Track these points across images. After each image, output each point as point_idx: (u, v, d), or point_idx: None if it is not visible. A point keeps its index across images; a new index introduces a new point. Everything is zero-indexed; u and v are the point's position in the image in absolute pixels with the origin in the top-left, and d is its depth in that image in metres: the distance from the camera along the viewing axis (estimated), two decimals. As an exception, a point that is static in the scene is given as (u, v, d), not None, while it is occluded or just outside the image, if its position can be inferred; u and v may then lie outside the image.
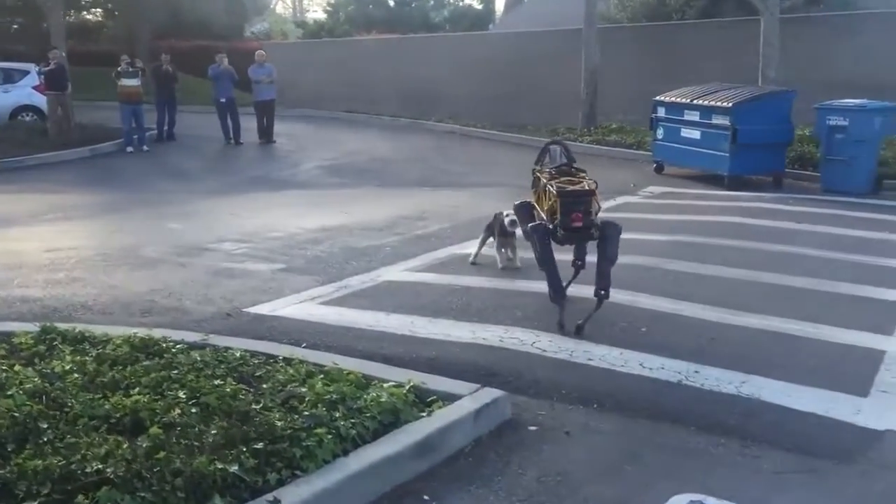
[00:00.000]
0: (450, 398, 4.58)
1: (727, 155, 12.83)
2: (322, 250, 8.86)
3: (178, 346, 5.22)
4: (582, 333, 5.84)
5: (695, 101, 13.60)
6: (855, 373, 5.26)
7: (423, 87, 24.48)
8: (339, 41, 31.97)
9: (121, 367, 4.74)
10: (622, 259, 6.37)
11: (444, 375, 5.06)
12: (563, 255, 6.63)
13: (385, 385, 4.59)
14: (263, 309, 6.74)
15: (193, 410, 4.08)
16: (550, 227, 6.13)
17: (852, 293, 7.03)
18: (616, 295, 6.27)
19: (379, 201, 12.23)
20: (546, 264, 6.17)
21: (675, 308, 6.53)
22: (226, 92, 19.62)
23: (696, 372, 5.20)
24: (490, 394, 4.65)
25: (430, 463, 4.10)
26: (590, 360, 5.45)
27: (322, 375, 4.72)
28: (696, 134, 13.62)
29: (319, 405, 4.21)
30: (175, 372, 4.65)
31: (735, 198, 11.88)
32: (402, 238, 9.47)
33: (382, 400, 4.30)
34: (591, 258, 6.45)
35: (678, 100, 14.04)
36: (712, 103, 13.18)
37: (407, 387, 4.59)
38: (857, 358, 5.53)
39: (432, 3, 40.52)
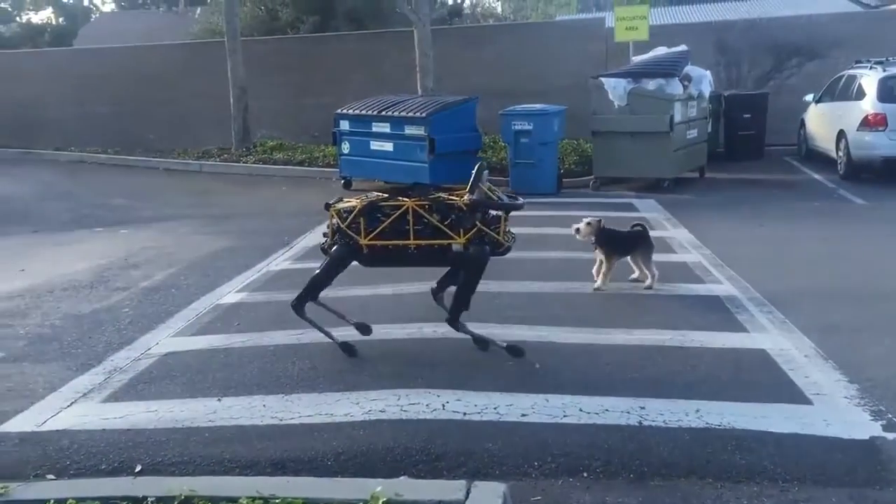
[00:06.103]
0: (447, 510, 3.40)
1: (426, 165, 12.46)
2: (39, 324, 6.65)
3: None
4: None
5: (383, 113, 13.04)
6: (772, 379, 5.04)
7: (20, 112, 20.79)
8: None
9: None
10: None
11: (366, 473, 3.94)
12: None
13: (355, 511, 3.28)
14: (25, 423, 4.70)
15: None
16: None
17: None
18: (436, 329, 5.72)
19: (55, 251, 9.76)
20: None
21: (537, 335, 5.85)
22: None
23: (643, 408, 4.57)
24: (492, 491, 3.54)
25: None
26: (524, 416, 4.53)
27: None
28: (388, 146, 13.09)
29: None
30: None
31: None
32: (130, 294, 7.54)
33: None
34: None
35: (364, 112, 13.34)
36: (404, 114, 12.74)
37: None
38: (753, 362, 5.33)
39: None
